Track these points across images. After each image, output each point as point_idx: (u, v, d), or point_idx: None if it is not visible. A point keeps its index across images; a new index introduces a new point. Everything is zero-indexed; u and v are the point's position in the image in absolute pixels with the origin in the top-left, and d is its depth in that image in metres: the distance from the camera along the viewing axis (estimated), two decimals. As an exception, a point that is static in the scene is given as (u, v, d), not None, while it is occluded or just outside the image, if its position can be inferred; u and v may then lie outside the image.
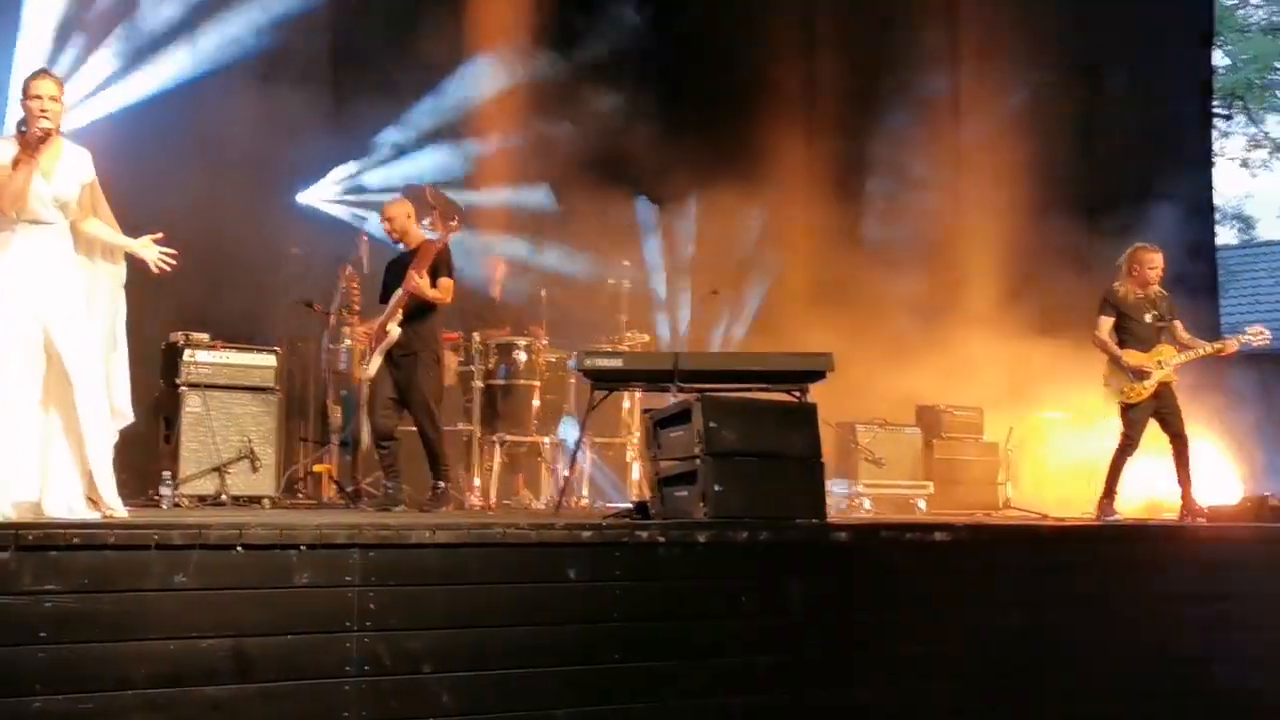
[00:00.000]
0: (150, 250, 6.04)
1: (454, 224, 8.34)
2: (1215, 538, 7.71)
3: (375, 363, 8.03)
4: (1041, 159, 12.08)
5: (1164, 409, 8.73)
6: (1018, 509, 10.35)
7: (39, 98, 5.73)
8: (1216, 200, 16.46)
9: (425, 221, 8.62)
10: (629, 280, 10.21)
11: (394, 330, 7.98)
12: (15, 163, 5.66)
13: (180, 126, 9.44)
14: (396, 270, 8.17)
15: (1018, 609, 6.55)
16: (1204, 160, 14.79)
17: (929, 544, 6.48)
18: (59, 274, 5.75)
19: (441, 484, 8.04)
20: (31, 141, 5.67)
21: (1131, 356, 8.70)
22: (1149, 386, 8.68)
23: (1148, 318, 8.80)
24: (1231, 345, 8.91)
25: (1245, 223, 30.26)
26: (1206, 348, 8.84)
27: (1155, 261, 8.87)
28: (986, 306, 11.90)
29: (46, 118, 5.70)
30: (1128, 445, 8.77)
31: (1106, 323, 8.82)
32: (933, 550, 6.47)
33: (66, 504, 5.64)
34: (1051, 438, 11.43)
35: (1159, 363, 8.72)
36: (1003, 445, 11.18)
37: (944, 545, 6.49)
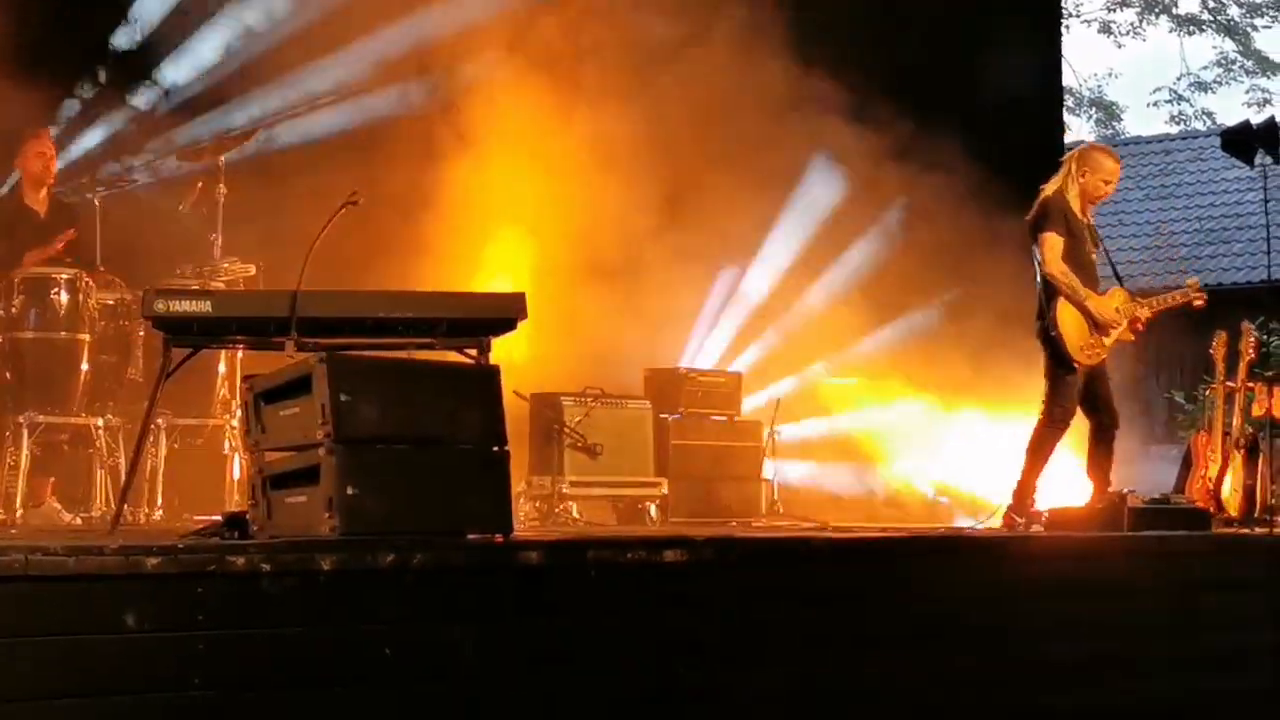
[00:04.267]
0: None
1: None
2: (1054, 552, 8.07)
3: None
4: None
5: (1098, 377, 9.14)
6: (789, 516, 10.64)
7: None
8: (1068, 81, 17.23)
9: None
10: (225, 185, 10.05)
11: None
12: None
13: None
14: None
15: (786, 658, 6.70)
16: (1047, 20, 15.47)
17: (659, 568, 6.56)
18: None
19: None
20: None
21: (1094, 301, 9.04)
22: (1107, 344, 9.04)
23: (1089, 247, 9.16)
24: (1201, 296, 9.34)
25: (1107, 111, 31.72)
26: (1174, 297, 9.24)
27: (1114, 172, 9.24)
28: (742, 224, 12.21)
29: None
30: (1060, 422, 9.13)
31: (1058, 243, 9.10)
32: (665, 577, 6.55)
33: None
34: (838, 412, 11.80)
35: (1117, 311, 9.08)
36: (769, 425, 11.46)
37: (680, 570, 6.58)
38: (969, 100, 13.89)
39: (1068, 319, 9.09)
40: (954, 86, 13.75)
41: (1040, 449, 9.27)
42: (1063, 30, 16.27)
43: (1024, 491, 9.29)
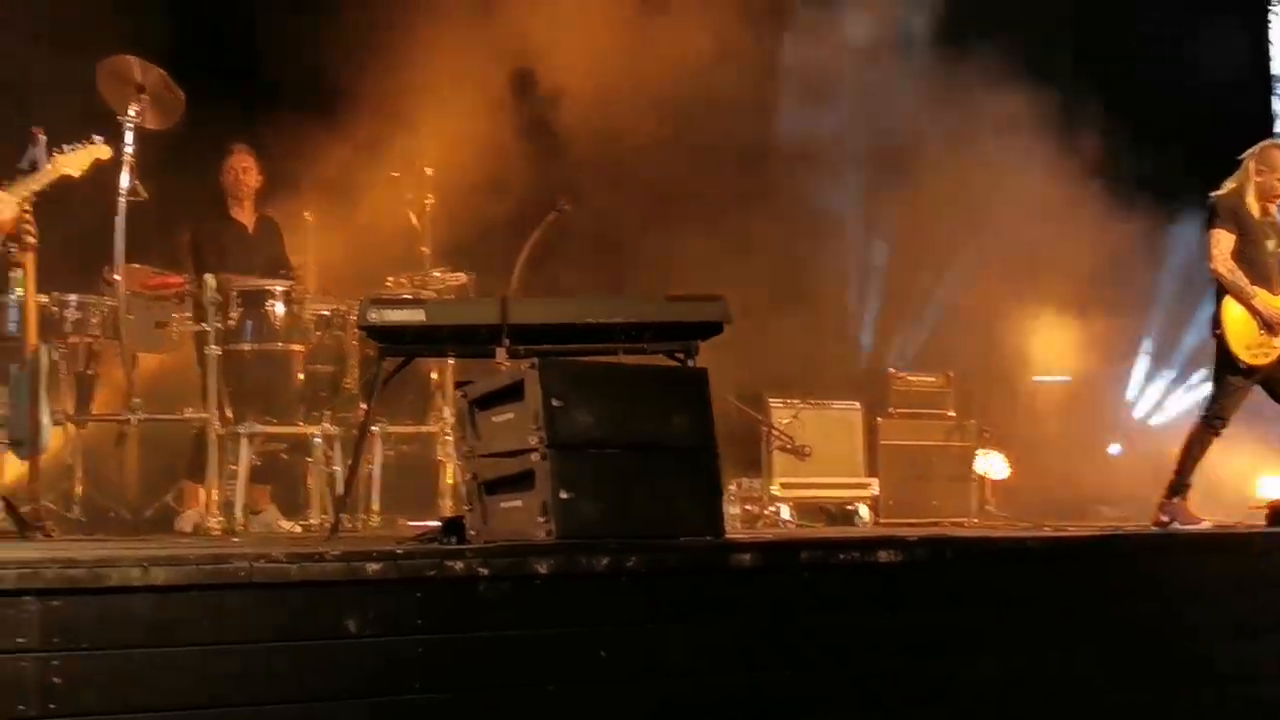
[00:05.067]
0: None
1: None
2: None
3: None
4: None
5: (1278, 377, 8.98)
6: (1001, 515, 10.54)
7: None
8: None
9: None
10: (433, 195, 10.18)
11: None
12: None
13: None
14: None
15: (1003, 659, 6.64)
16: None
17: (871, 569, 6.54)
18: None
19: None
20: None
21: (1262, 299, 8.89)
22: (1278, 345, 8.88)
23: (1271, 245, 9.00)
24: None
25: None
26: None
27: None
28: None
29: None
30: (1217, 422, 8.98)
31: (1228, 241, 8.97)
32: (877, 578, 6.53)
33: None
34: (1050, 413, 11.67)
35: None
36: (977, 425, 11.38)
37: (893, 570, 6.55)
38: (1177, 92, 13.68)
39: (1234, 318, 8.93)
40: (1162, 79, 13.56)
41: (1191, 448, 9.12)
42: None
43: (1174, 489, 9.12)
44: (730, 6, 12.12)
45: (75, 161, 8.51)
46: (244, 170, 10.20)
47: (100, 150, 8.63)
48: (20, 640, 5.05)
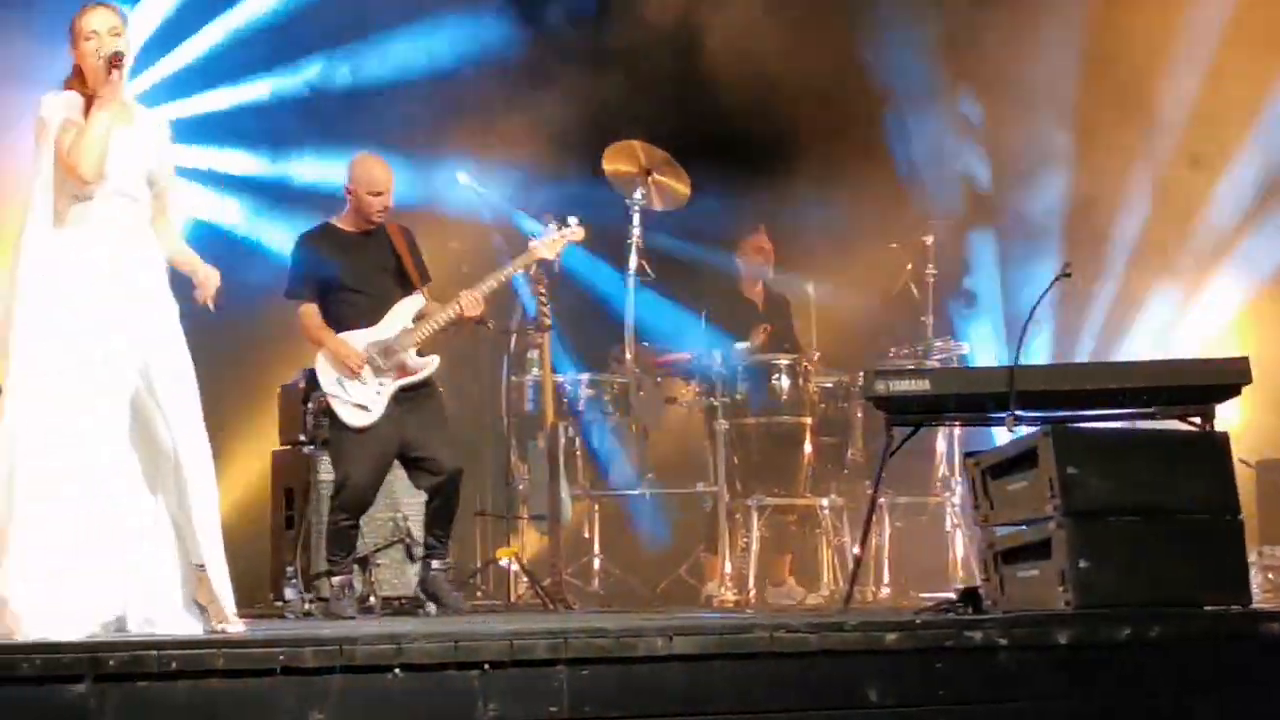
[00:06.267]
0: (213, 281, 6.28)
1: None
2: None
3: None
4: None
5: None
6: None
7: (94, 35, 5.98)
8: None
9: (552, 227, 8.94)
10: (933, 268, 10.19)
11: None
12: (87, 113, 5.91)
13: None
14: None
15: None
16: None
17: None
18: (154, 278, 6.03)
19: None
20: (98, 79, 5.91)
21: None
22: None
23: None
24: None
25: None
26: None
27: None
28: None
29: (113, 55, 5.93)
30: None
31: None
32: None
33: (160, 614, 5.88)
34: None
35: None
36: None
37: None
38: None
39: None
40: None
41: None
42: None
43: None
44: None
45: (550, 246, 8.76)
46: (757, 250, 10.34)
47: (574, 233, 8.86)
48: (552, 709, 5.20)
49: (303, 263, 8.42)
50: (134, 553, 5.91)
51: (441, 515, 8.37)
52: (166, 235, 6.25)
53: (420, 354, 8.35)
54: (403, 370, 8.26)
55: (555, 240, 8.76)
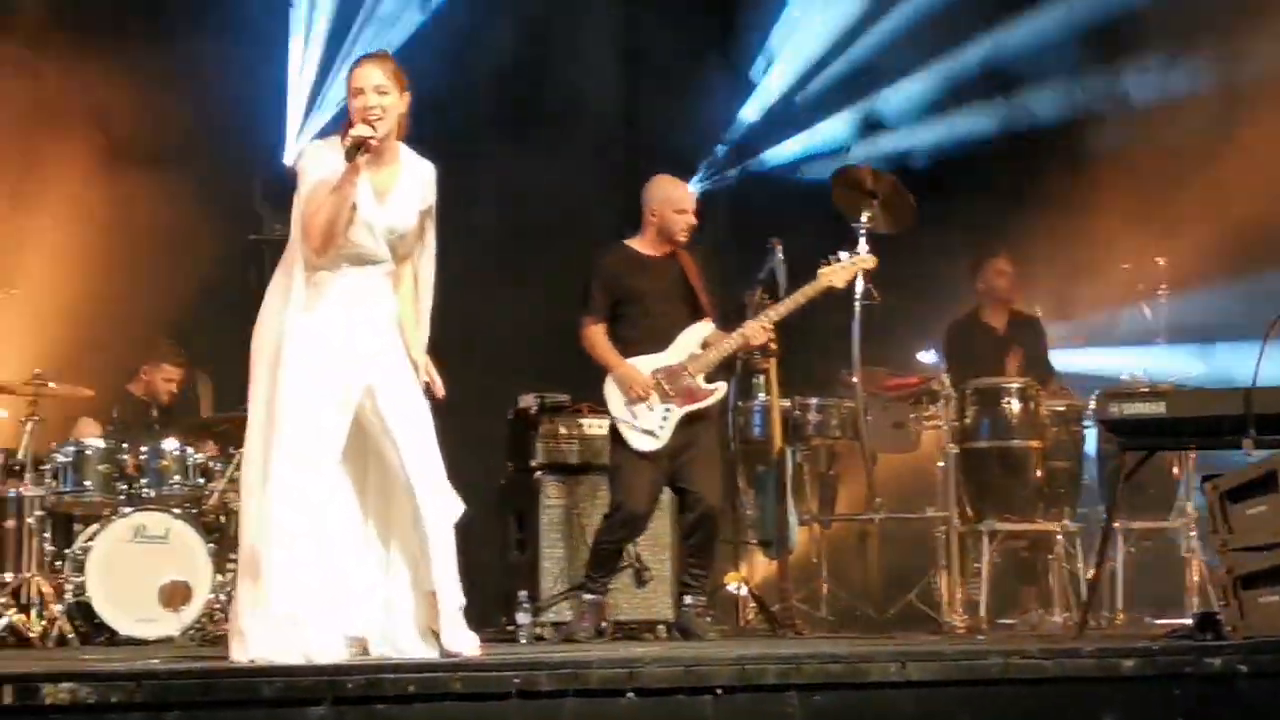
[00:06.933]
0: (425, 375, 6.32)
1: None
2: None
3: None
4: None
5: None
6: None
7: (360, 92, 5.95)
8: None
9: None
10: (1167, 283, 10.07)
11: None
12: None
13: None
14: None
15: None
16: None
17: None
18: (386, 329, 6.08)
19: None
20: (348, 154, 5.83)
21: None
22: None
23: None
24: None
25: None
26: None
27: None
28: None
29: (370, 119, 5.89)
30: None
31: None
32: None
33: (397, 638, 5.98)
34: None
35: None
36: None
37: None
38: None
39: None
40: None
41: None
42: None
43: None
44: None
45: (841, 274, 8.74)
46: (999, 274, 10.25)
47: (865, 261, 8.84)
48: (785, 735, 5.20)
49: (599, 283, 8.54)
50: (375, 580, 6.02)
51: (700, 551, 8.46)
52: (419, 273, 6.24)
53: (709, 380, 8.44)
54: (690, 397, 8.35)
55: (846, 268, 8.76)
